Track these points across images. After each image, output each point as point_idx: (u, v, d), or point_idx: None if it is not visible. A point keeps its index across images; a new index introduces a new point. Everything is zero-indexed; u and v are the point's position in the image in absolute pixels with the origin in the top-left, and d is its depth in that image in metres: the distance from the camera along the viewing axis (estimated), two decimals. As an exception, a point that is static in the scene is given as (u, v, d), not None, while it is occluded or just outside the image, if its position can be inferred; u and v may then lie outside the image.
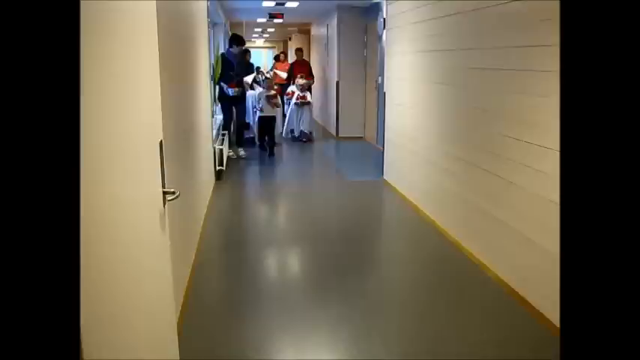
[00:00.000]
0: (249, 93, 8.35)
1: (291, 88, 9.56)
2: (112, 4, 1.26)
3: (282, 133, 9.25)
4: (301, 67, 9.84)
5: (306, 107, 9.32)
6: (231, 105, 7.62)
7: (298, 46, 11.44)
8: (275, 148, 8.10)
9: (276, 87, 8.67)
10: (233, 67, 7.50)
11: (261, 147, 8.32)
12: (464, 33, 3.92)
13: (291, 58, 12.94)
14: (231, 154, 7.69)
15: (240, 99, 7.70)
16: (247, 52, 9.66)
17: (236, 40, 7.65)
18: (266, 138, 8.23)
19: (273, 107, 8.17)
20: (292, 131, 9.44)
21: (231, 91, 7.38)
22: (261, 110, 8.11)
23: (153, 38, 1.78)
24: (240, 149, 7.96)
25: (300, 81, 9.28)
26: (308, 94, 9.43)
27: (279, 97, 8.57)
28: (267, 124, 8.12)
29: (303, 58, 10.42)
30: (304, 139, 9.30)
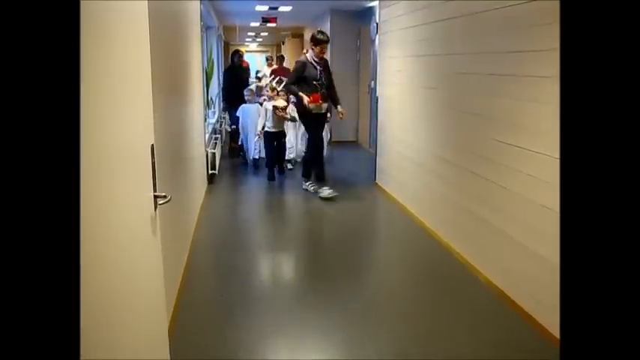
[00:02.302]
0: (250, 106, 7.22)
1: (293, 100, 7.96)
2: (102, 5, 1.25)
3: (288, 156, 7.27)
4: None
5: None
6: (317, 123, 5.81)
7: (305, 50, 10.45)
8: (285, 171, 6.80)
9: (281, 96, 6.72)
10: (317, 74, 5.58)
11: (270, 175, 6.59)
12: (456, 38, 3.94)
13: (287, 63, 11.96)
14: (312, 188, 5.84)
15: (325, 115, 5.87)
16: (238, 54, 8.50)
17: (322, 36, 5.59)
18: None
19: (281, 120, 6.56)
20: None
21: (312, 107, 5.52)
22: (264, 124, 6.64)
23: (144, 41, 1.77)
24: (324, 187, 5.72)
25: None
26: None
27: (292, 109, 6.60)
28: (272, 140, 6.59)
29: None
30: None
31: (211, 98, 8.47)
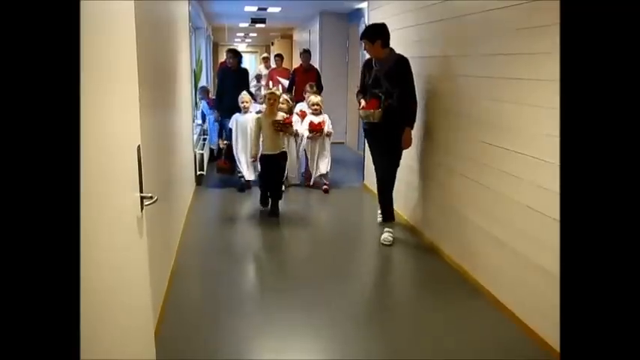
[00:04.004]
0: (246, 117, 5.85)
1: (301, 107, 6.42)
2: (88, 5, 1.24)
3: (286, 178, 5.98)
4: (307, 77, 7.09)
5: (326, 140, 6.07)
6: (377, 140, 4.32)
7: (305, 48, 8.23)
8: (279, 202, 5.14)
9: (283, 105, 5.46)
10: (379, 79, 4.14)
11: (264, 201, 5.18)
12: (445, 40, 3.96)
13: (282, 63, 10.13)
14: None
15: (390, 127, 4.15)
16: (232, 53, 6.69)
17: (382, 32, 4.16)
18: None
19: (282, 139, 5.08)
20: (306, 176, 6.35)
21: (361, 114, 4.24)
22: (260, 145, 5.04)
23: (130, 41, 1.76)
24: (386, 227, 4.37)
25: (313, 98, 6.07)
26: (327, 119, 6.07)
27: (295, 119, 5.66)
28: (272, 166, 5.01)
29: (310, 63, 7.62)
30: (324, 187, 6.07)
31: (200, 99, 8.45)
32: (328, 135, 6.05)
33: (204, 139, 7.07)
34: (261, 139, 5.00)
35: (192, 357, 2.64)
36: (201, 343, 2.77)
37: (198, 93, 7.93)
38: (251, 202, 5.66)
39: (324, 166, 6.02)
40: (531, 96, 2.78)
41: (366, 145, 4.52)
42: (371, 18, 6.01)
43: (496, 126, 3.18)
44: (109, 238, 1.42)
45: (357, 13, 8.35)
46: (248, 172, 5.91)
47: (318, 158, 6.04)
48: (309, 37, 10.70)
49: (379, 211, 4.54)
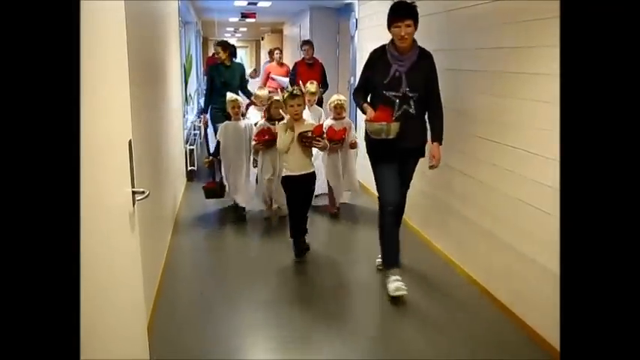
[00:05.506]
0: (239, 125, 4.57)
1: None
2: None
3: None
4: (310, 72, 6.32)
5: (349, 153, 4.75)
6: (388, 156, 3.28)
7: (305, 39, 7.24)
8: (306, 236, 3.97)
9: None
10: (400, 78, 3.17)
11: (297, 239, 3.89)
12: (436, 34, 3.97)
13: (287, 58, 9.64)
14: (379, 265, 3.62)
15: (407, 142, 3.22)
16: (230, 46, 5.72)
17: (395, 9, 3.24)
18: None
19: (309, 155, 3.85)
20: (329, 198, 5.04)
21: (368, 127, 3.19)
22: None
23: (121, 37, 1.76)
24: (392, 274, 3.28)
25: (335, 97, 4.78)
26: (351, 126, 4.80)
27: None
28: (300, 190, 3.83)
29: (314, 56, 6.71)
30: (334, 210, 4.99)
31: (190, 94, 8.41)
32: (353, 146, 4.69)
33: (195, 135, 7.05)
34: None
35: (185, 354, 2.64)
36: (194, 339, 2.77)
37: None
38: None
39: (354, 185, 4.86)
40: (525, 89, 2.79)
41: (369, 156, 3.44)
42: (361, 12, 6.01)
43: (489, 120, 3.19)
44: (101, 233, 1.42)
45: (347, 8, 8.32)
46: (242, 198, 4.71)
47: (344, 175, 4.72)
48: (299, 31, 10.67)
49: (379, 261, 3.63)
